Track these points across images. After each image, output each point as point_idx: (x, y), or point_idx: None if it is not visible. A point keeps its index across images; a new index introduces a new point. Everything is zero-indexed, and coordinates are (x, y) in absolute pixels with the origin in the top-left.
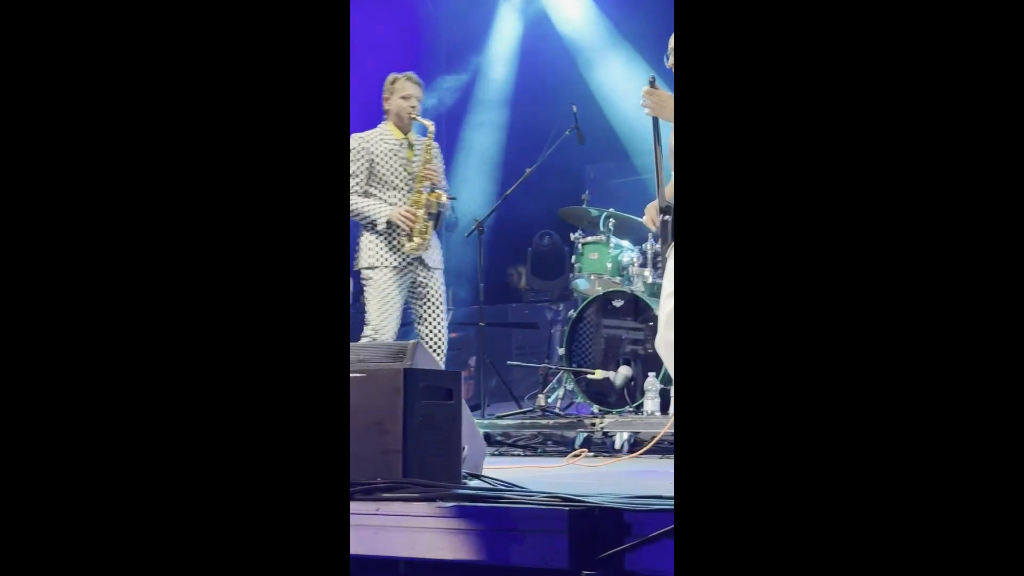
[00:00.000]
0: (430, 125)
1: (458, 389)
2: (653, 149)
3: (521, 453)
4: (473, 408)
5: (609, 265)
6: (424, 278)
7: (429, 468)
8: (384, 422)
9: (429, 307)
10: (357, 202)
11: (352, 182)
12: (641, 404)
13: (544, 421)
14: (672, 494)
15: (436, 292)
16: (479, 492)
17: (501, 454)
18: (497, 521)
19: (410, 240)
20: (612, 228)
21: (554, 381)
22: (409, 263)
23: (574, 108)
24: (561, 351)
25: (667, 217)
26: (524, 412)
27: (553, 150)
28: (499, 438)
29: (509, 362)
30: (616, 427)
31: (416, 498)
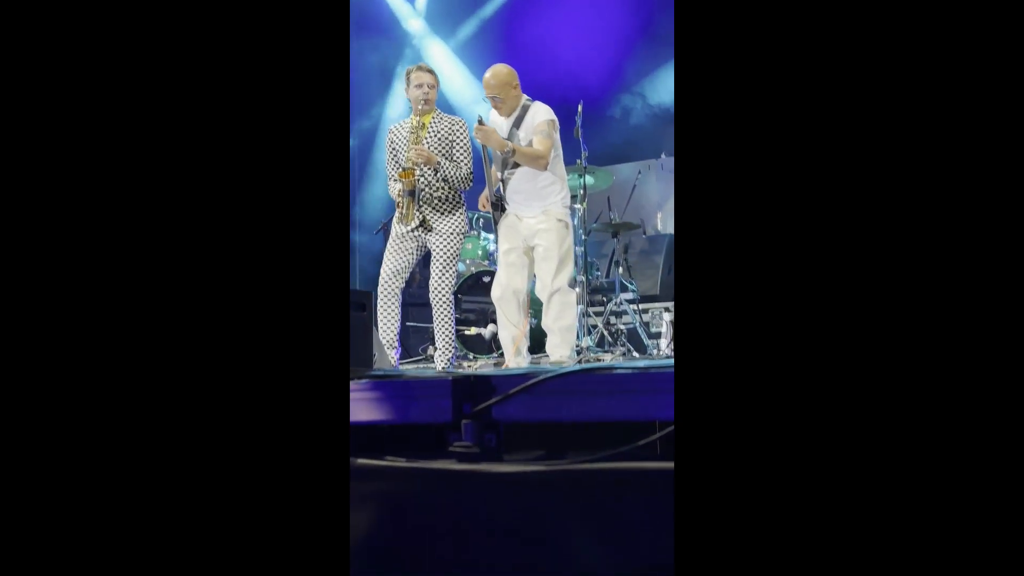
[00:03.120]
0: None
1: (370, 304)
2: (483, 162)
3: None
4: None
5: (480, 252)
6: (428, 240)
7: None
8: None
9: (432, 263)
10: (390, 186)
11: (387, 170)
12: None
13: (432, 366)
14: (520, 370)
15: (437, 251)
16: (385, 374)
17: None
18: (399, 391)
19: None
20: (481, 225)
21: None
22: (412, 229)
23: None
24: None
25: (495, 207)
26: (419, 359)
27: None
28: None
29: (408, 323)
30: (484, 367)
31: None
